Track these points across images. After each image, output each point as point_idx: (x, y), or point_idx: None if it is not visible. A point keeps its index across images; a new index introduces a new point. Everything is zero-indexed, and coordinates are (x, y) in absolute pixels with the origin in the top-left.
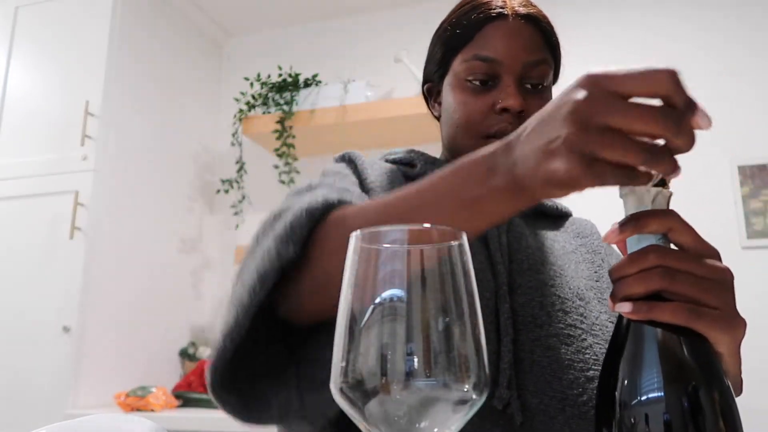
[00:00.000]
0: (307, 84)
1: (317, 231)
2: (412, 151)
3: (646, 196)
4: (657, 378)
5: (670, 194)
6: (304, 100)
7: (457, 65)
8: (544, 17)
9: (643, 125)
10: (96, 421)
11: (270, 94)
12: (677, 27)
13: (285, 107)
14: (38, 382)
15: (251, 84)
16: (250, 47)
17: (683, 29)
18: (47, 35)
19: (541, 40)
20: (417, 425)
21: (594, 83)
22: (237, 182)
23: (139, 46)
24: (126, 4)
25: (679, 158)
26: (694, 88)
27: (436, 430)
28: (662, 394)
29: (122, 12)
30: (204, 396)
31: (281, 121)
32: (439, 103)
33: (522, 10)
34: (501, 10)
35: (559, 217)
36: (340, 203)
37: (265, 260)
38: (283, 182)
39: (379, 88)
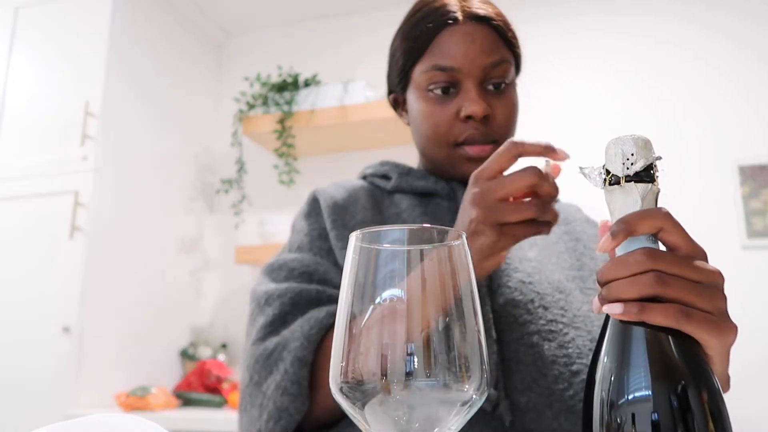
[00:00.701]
0: (307, 84)
1: (315, 371)
2: (386, 163)
3: (635, 193)
4: (645, 377)
5: (659, 191)
6: (304, 100)
7: (417, 76)
8: (498, 14)
9: (519, 185)
10: (96, 421)
11: (270, 94)
12: (675, 29)
13: (285, 107)
14: (38, 382)
15: (251, 84)
16: (250, 47)
17: (681, 31)
18: (47, 35)
19: (497, 39)
20: (417, 425)
21: (476, 178)
22: (237, 182)
23: (139, 46)
24: (126, 4)
25: (680, 158)
26: (694, 89)
27: (436, 430)
28: (650, 393)
29: (122, 12)
30: (204, 396)
31: (281, 121)
32: (407, 111)
33: (473, 11)
34: (453, 14)
35: None
36: (325, 326)
37: (283, 417)
38: (283, 182)
39: (379, 88)
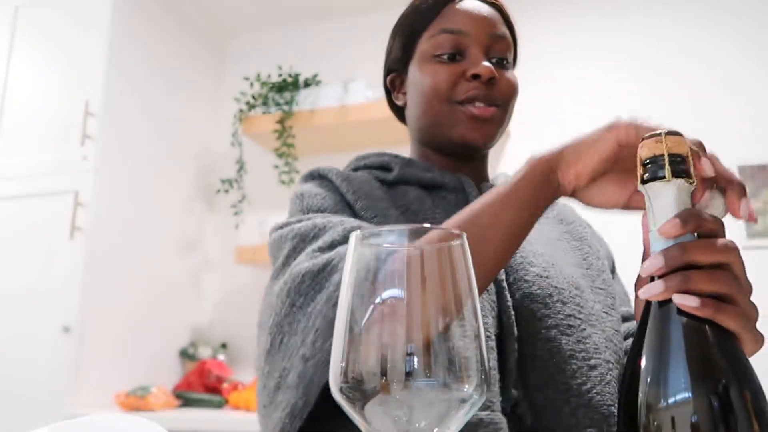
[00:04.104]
0: (307, 84)
1: None
2: (385, 154)
3: (684, 189)
4: (686, 376)
5: (694, 187)
6: (304, 100)
7: (424, 44)
8: (499, 2)
9: None
10: (96, 421)
11: (270, 94)
12: (672, 29)
13: (285, 107)
14: (38, 382)
15: (251, 84)
16: (250, 47)
17: (678, 30)
18: (47, 35)
19: (501, 18)
20: (417, 425)
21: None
22: (237, 182)
23: (139, 46)
24: (126, 4)
25: None
26: (694, 90)
27: (436, 430)
28: (690, 394)
29: (122, 12)
30: (204, 396)
31: (281, 121)
32: (404, 93)
33: None
34: None
35: None
36: None
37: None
38: (283, 182)
39: (379, 88)
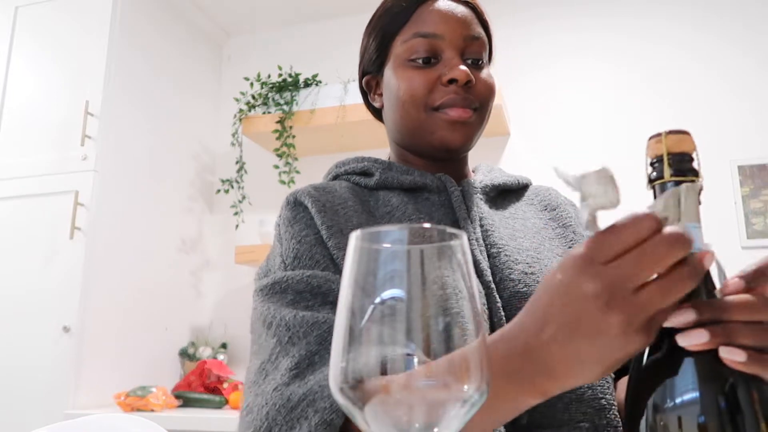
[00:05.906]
0: (307, 84)
1: None
2: (364, 159)
3: (690, 188)
4: (692, 380)
5: (701, 188)
6: (304, 100)
7: (398, 47)
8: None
9: (665, 262)
10: (96, 421)
11: (270, 94)
12: (672, 30)
13: (285, 107)
14: (38, 382)
15: (251, 84)
16: (250, 47)
17: (679, 31)
18: (47, 35)
19: (474, 17)
20: (417, 425)
21: (590, 260)
22: (237, 182)
23: (139, 46)
24: (126, 4)
25: None
26: (694, 90)
27: (436, 430)
28: (698, 395)
29: (122, 12)
30: (204, 396)
31: (281, 121)
32: (380, 95)
33: None
34: None
35: (521, 188)
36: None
37: None
38: (283, 182)
39: None
